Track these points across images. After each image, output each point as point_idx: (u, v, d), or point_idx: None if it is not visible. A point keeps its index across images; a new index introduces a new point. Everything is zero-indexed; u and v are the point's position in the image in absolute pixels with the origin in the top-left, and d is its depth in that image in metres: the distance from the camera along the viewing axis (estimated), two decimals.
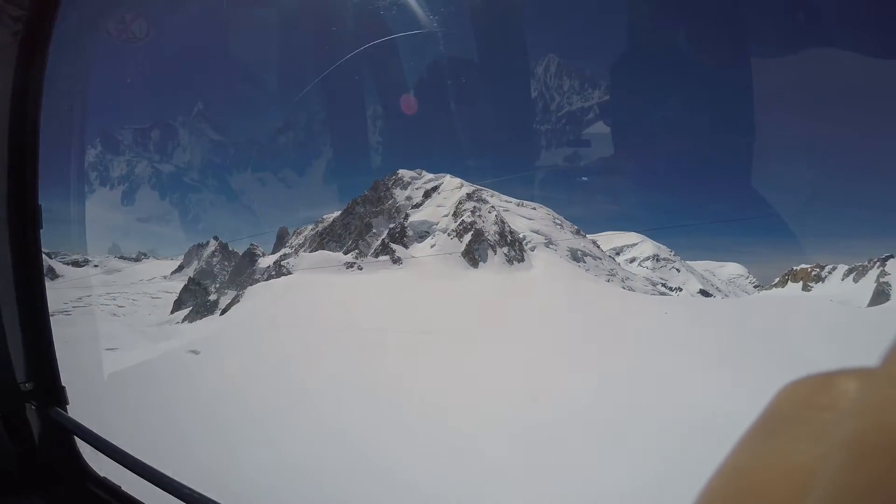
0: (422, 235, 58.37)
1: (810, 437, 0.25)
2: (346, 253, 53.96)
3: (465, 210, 61.12)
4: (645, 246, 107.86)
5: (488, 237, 57.10)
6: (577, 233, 73.63)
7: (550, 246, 62.62)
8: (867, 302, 48.16)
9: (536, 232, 65.09)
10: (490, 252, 55.03)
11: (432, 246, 54.95)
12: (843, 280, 59.34)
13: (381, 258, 52.13)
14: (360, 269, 48.13)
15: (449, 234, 56.66)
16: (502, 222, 61.47)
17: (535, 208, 75.12)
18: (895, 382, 0.21)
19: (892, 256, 53.09)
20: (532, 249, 59.86)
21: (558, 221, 72.91)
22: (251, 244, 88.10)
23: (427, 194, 66.62)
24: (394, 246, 53.79)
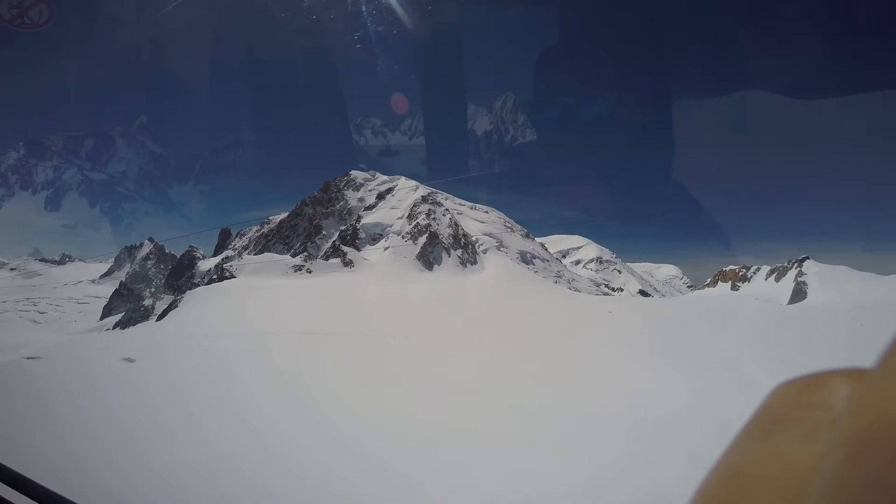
0: (375, 238, 57.65)
1: (804, 436, 0.25)
2: (294, 255, 52.15)
3: (420, 213, 61.01)
4: (589, 249, 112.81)
5: (443, 240, 57.36)
6: (527, 236, 75.67)
7: (502, 248, 63.89)
8: (787, 299, 53.28)
9: (489, 235, 66.19)
10: (444, 254, 55.29)
11: (386, 248, 54.40)
12: (766, 280, 65.00)
13: (332, 261, 50.90)
14: (310, 272, 46.74)
15: (403, 237, 56.31)
16: (456, 225, 61.97)
17: (487, 211, 76.39)
18: (891, 383, 0.21)
19: (807, 258, 58.98)
20: (484, 252, 60.81)
21: (509, 225, 74.57)
22: (190, 246, 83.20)
23: (381, 196, 65.89)
24: (345, 248, 52.70)
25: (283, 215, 68.89)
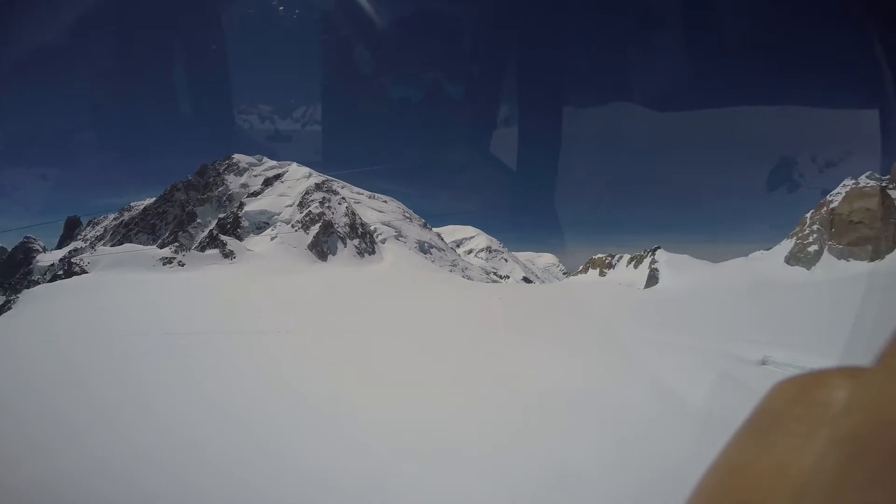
0: (260, 227, 53.32)
1: (802, 434, 0.26)
2: (162, 247, 45.98)
3: (312, 200, 57.78)
4: (480, 239, 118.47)
5: (338, 229, 55.27)
6: (425, 226, 76.65)
7: (400, 238, 63.82)
8: (644, 284, 61.89)
9: (387, 224, 65.59)
10: (340, 244, 53.36)
11: (273, 238, 50.67)
12: (626, 266, 74.51)
13: (210, 252, 45.98)
14: (182, 265, 41.62)
15: (293, 226, 52.90)
16: (354, 214, 60.16)
17: (386, 201, 75.50)
18: (889, 381, 0.21)
19: (659, 247, 68.98)
20: (383, 242, 60.15)
21: (408, 215, 74.74)
22: (26, 237, 69.13)
23: (268, 182, 61.02)
24: (225, 238, 47.91)
25: (149, 201, 60.39)
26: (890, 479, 0.18)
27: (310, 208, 55.56)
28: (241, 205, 55.83)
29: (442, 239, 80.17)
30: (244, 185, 60.05)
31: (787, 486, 0.24)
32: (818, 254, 50.88)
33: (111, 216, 67.11)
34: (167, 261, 41.56)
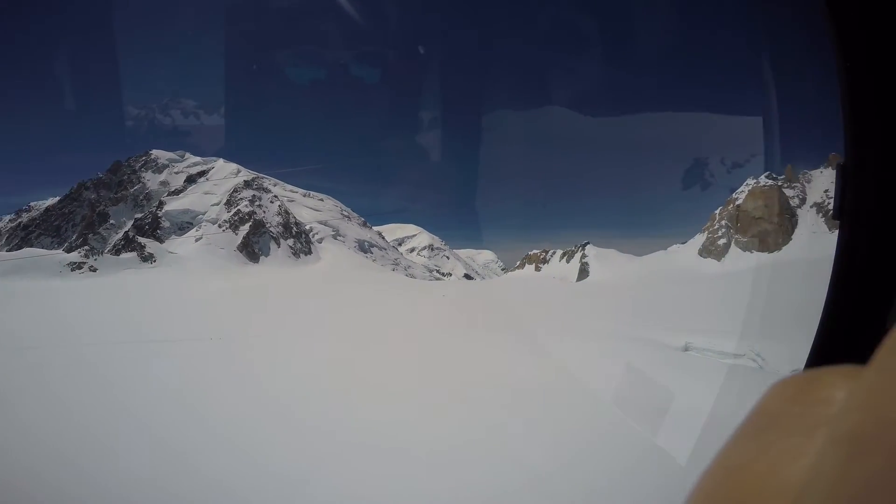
0: (183, 227, 49.40)
1: (799, 434, 0.26)
2: (69, 251, 41.16)
3: (241, 199, 54.34)
4: (422, 237, 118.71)
5: (271, 229, 52.51)
6: (364, 224, 75.16)
7: (339, 237, 62.02)
8: (575, 277, 65.29)
9: (324, 223, 63.43)
10: (273, 245, 50.74)
11: (198, 240, 47.16)
12: (560, 261, 78.11)
13: (126, 255, 41.88)
14: (94, 271, 37.55)
15: (221, 226, 49.51)
16: (287, 213, 57.46)
17: (322, 199, 72.95)
18: (886, 380, 0.21)
19: (588, 243, 73.06)
20: (320, 241, 58.09)
21: (346, 213, 72.81)
22: None
23: (191, 179, 56.56)
24: (143, 240, 43.88)
25: (52, 201, 53.92)
26: (889, 479, 0.19)
27: (239, 207, 52.47)
28: (161, 204, 51.55)
29: (383, 238, 79.19)
30: (164, 183, 55.50)
31: (786, 486, 0.24)
32: (726, 246, 56.32)
33: (6, 218, 59.21)
34: (76, 266, 37.29)
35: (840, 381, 0.26)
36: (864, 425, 0.21)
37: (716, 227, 59.08)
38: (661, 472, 5.78)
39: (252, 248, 49.19)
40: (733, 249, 55.23)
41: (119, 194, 52.13)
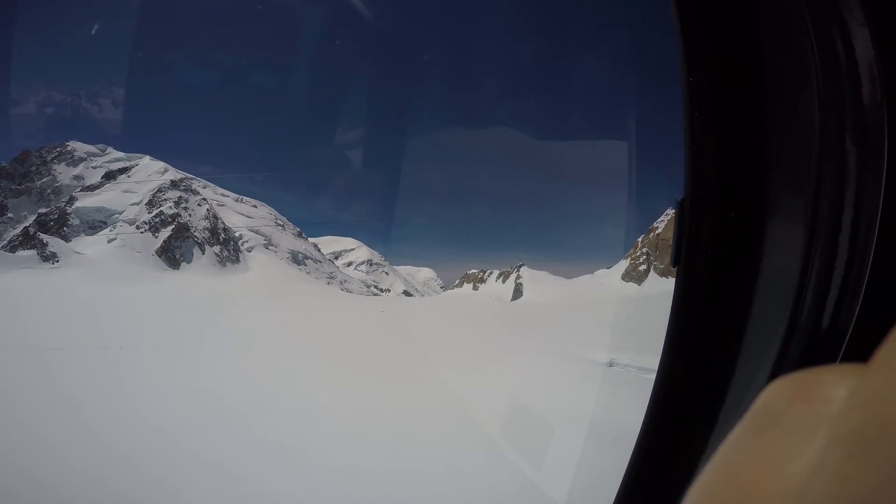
0: (95, 226, 44.76)
1: (799, 433, 0.25)
2: None
3: (166, 200, 50.32)
4: (361, 251, 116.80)
5: (196, 233, 49.00)
6: (300, 235, 72.51)
7: (271, 247, 59.20)
8: (510, 297, 67.61)
9: (256, 231, 60.34)
10: (197, 251, 47.32)
11: (111, 240, 42.92)
12: (496, 281, 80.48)
13: (23, 253, 37.09)
14: None
15: (139, 227, 45.42)
16: (215, 218, 53.99)
17: (255, 206, 69.48)
18: (887, 379, 0.21)
19: (523, 265, 76.10)
20: (249, 250, 55.09)
21: (281, 222, 69.83)
22: None
23: (110, 175, 51.57)
24: (45, 237, 39.18)
25: None
26: (890, 478, 0.18)
27: (162, 208, 48.69)
28: (72, 199, 46.60)
29: (319, 250, 76.88)
30: (78, 177, 50.35)
31: (786, 485, 0.24)
32: (646, 272, 61.15)
33: None
34: None
35: (841, 380, 0.26)
36: (865, 424, 0.20)
37: (638, 253, 64.02)
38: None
39: (173, 254, 45.73)
40: (652, 275, 60.08)
41: (22, 186, 46.55)
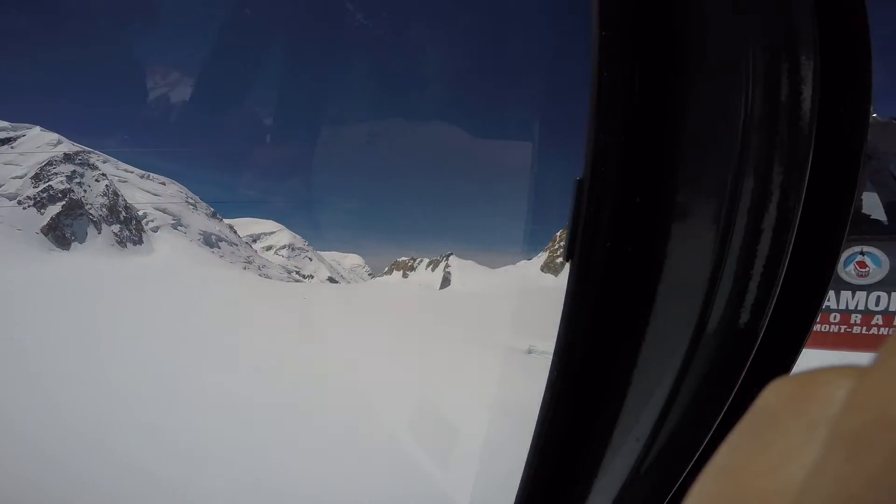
0: None
1: (800, 433, 0.25)
2: None
3: (57, 174, 43.99)
4: (282, 235, 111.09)
5: (91, 211, 43.56)
6: (214, 216, 67.34)
7: (179, 227, 54.40)
8: (439, 286, 68.78)
9: (163, 210, 55.00)
10: (92, 229, 42.17)
11: None
12: (426, 270, 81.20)
13: None
14: None
15: (21, 203, 39.35)
16: (116, 194, 48.34)
17: (164, 183, 63.11)
18: (887, 379, 0.21)
19: (451, 254, 77.59)
20: (154, 230, 50.23)
21: (192, 201, 64.26)
22: None
23: None
24: None
25: None
26: (889, 479, 0.18)
27: (51, 182, 42.71)
28: None
29: (235, 232, 72.19)
30: None
31: (786, 486, 0.24)
32: (562, 264, 65.33)
33: None
34: None
35: (840, 381, 0.25)
36: (865, 425, 0.20)
37: (556, 247, 68.12)
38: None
39: (62, 232, 40.54)
40: (567, 267, 64.38)
41: None
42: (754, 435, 0.27)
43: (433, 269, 77.14)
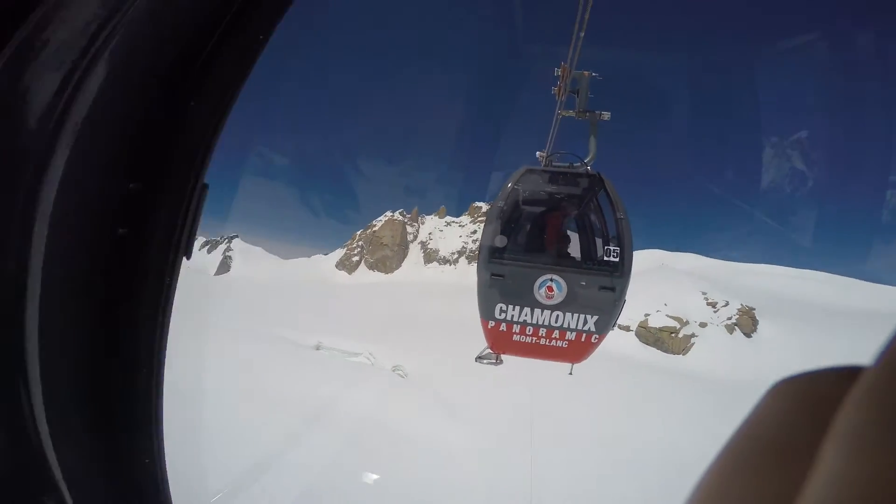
0: None
1: (804, 434, 0.25)
2: None
3: None
4: None
5: None
6: None
7: None
8: (215, 271, 60.07)
9: None
10: None
11: None
12: (199, 250, 69.98)
13: None
14: None
15: None
16: None
17: None
18: (890, 380, 0.21)
19: (237, 236, 68.97)
20: None
21: None
22: None
23: None
24: None
25: None
26: (892, 479, 0.19)
27: None
28: None
29: None
30: None
31: (789, 487, 0.24)
32: (358, 263, 65.87)
33: None
34: None
35: (844, 381, 0.26)
36: (868, 426, 0.20)
37: (354, 245, 68.31)
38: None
39: None
40: (362, 266, 65.23)
41: None
42: (757, 434, 0.27)
43: (209, 251, 67.17)
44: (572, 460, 14.12)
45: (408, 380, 18.80)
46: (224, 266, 61.18)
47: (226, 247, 66.47)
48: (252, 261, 63.15)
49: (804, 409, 0.26)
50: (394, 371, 19.33)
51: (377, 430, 12.23)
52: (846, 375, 0.26)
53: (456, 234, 65.29)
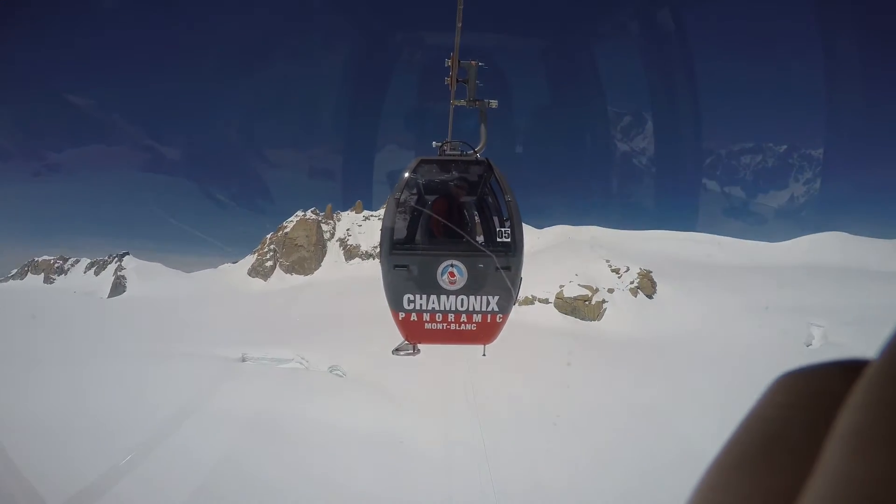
0: None
1: (807, 429, 0.25)
2: None
3: None
4: None
5: None
6: None
7: None
8: (108, 293, 53.30)
9: None
10: None
11: None
12: (85, 273, 61.64)
13: None
14: None
15: None
16: None
17: None
18: (890, 376, 0.21)
19: (127, 253, 61.41)
20: None
21: None
22: None
23: None
24: None
25: None
26: (893, 476, 0.18)
27: None
28: None
29: None
30: None
31: (791, 482, 0.24)
32: (272, 268, 62.25)
33: None
34: None
35: (847, 375, 0.25)
36: (869, 422, 0.20)
37: (265, 250, 64.34)
38: None
39: None
40: (278, 271, 61.75)
41: None
42: (758, 430, 0.27)
43: (98, 272, 59.24)
44: (520, 430, 15.02)
45: (347, 378, 18.41)
46: (118, 287, 54.58)
47: (116, 265, 59.22)
48: (150, 278, 57.11)
49: (807, 403, 0.26)
50: (331, 372, 18.78)
51: (329, 432, 11.95)
52: (850, 369, 0.26)
53: (375, 227, 63.99)
